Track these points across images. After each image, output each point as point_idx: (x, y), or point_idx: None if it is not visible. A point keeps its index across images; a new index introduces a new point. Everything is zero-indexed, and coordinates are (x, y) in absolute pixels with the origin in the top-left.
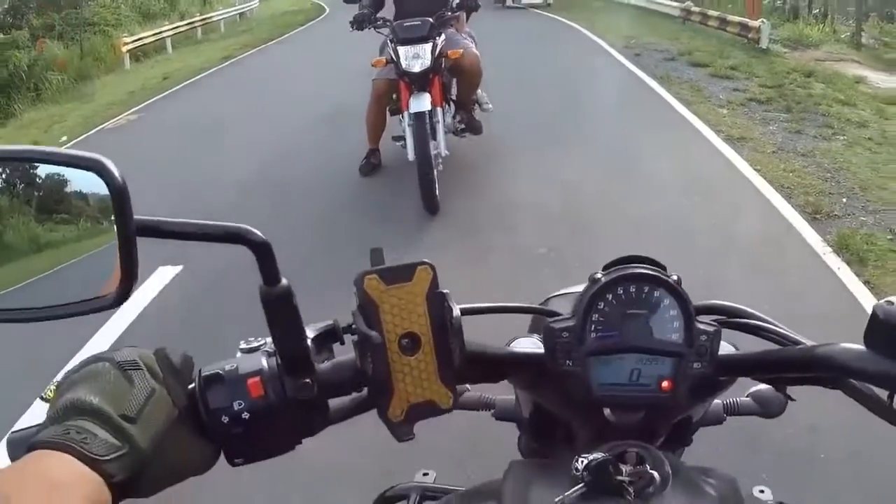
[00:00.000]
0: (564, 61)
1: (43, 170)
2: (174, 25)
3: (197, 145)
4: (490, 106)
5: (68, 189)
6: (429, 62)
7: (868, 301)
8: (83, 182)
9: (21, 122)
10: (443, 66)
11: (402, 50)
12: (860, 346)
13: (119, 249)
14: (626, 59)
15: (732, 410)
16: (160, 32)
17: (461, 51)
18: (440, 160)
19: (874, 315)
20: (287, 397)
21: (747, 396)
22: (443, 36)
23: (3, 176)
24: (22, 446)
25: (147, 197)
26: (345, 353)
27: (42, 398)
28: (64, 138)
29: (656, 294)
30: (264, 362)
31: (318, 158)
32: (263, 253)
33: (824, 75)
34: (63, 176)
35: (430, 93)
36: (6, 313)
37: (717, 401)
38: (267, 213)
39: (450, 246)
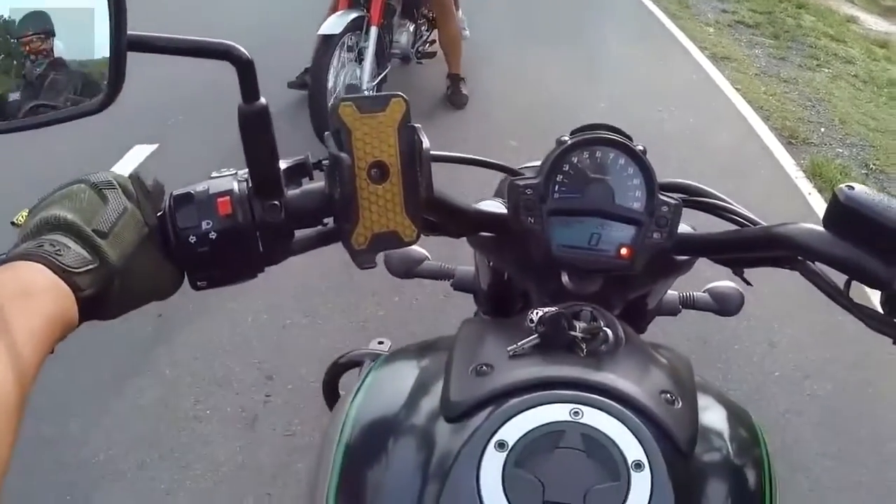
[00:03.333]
0: None
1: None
2: None
3: None
4: (467, 32)
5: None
6: None
7: None
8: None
9: None
10: None
11: None
12: (820, 228)
13: (109, 58)
14: None
15: (688, 303)
16: None
17: None
18: (363, 91)
19: (834, 198)
20: (254, 220)
21: (704, 292)
22: None
23: None
24: None
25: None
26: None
27: (13, 223)
28: None
29: (621, 161)
30: (235, 185)
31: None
32: (246, 70)
33: (816, 9)
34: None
35: (367, 8)
36: None
37: (672, 292)
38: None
39: None
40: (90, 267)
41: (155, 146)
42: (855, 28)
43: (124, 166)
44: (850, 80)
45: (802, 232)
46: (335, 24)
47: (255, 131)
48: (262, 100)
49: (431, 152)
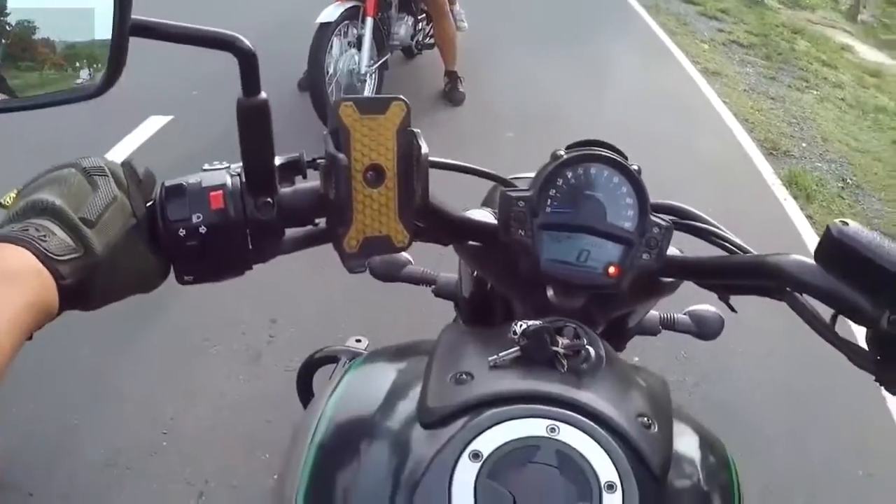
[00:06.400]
0: None
1: (14, 17)
2: None
3: None
4: (465, 25)
5: (36, 36)
6: None
7: (807, 232)
8: (55, 29)
9: None
10: None
11: None
12: (811, 261)
13: (111, 41)
14: None
15: (668, 325)
16: None
17: None
18: (362, 76)
19: (827, 232)
20: (246, 216)
21: (685, 314)
22: None
23: None
24: None
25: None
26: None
27: (1, 204)
28: None
29: (615, 180)
30: (228, 179)
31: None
32: (248, 62)
33: (812, 36)
34: (33, 23)
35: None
36: None
37: (653, 312)
38: None
39: None
40: (74, 256)
41: (170, 118)
42: (849, 56)
43: (139, 136)
44: (837, 103)
45: (793, 263)
46: (331, 13)
47: (254, 126)
48: (263, 94)
49: (430, 158)
